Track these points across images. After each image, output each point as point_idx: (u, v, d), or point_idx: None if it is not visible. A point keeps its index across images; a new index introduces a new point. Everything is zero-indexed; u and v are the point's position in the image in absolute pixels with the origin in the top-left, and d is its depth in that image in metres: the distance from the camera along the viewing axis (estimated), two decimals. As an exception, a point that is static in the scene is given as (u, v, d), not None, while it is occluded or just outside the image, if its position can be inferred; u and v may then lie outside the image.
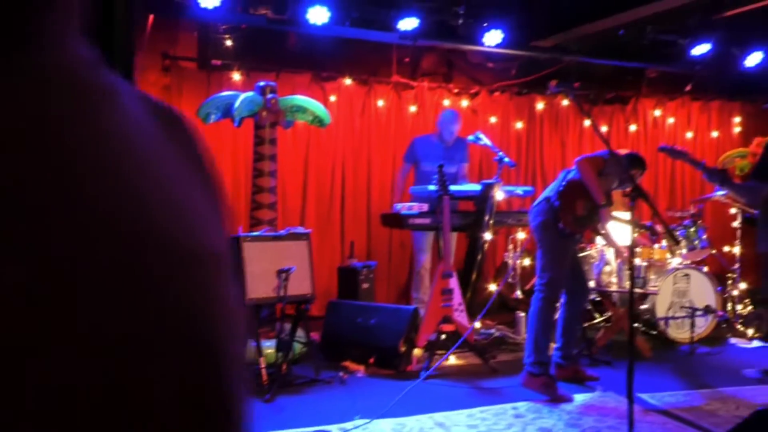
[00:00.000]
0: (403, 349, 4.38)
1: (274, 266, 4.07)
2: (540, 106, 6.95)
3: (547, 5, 5.74)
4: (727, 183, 4.05)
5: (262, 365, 3.92)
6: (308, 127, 5.89)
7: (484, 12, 5.69)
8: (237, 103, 4.66)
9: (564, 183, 3.98)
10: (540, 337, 3.94)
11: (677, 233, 5.68)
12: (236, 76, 5.84)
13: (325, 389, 4.02)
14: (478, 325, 5.26)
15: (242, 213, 5.32)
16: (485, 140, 5.13)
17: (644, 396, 3.89)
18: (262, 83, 4.97)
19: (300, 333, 4.41)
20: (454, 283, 4.45)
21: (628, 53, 6.44)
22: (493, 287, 6.05)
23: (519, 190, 5.36)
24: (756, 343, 5.37)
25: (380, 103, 6.39)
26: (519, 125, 6.89)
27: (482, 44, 5.79)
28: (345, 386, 4.08)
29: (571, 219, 3.91)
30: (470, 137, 5.25)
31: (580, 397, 3.90)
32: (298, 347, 4.43)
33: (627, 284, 5.08)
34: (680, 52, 6.36)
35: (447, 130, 5.52)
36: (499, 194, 4.94)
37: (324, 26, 5.27)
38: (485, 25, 5.71)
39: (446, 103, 6.59)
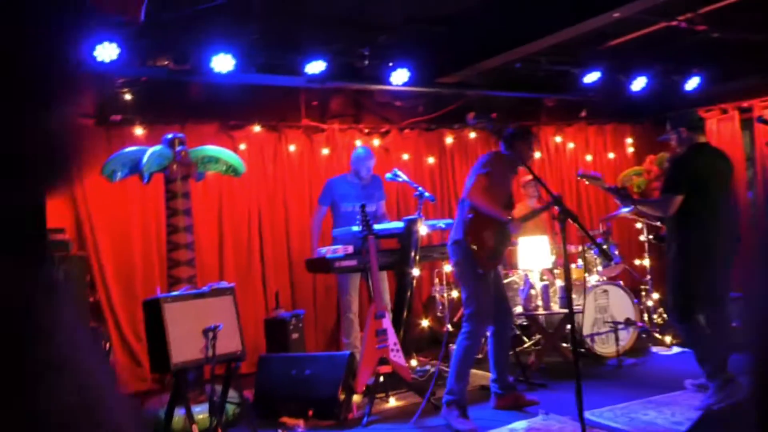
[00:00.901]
0: (342, 397, 4.23)
1: (199, 326, 3.84)
2: (449, 140, 7.11)
3: (449, 43, 5.91)
4: (641, 202, 4.32)
5: (195, 432, 3.66)
6: (220, 177, 5.72)
7: (389, 52, 5.79)
8: (145, 158, 4.45)
9: (463, 221, 4.04)
10: (460, 369, 3.97)
11: (592, 251, 5.90)
12: (138, 131, 5.61)
13: (265, 450, 3.81)
14: (413, 363, 5.20)
15: (158, 273, 5.04)
16: (403, 176, 5.16)
17: (585, 414, 3.93)
18: (170, 135, 4.78)
19: (232, 393, 4.17)
20: (387, 322, 4.38)
21: (526, 85, 6.74)
22: (425, 323, 6.03)
23: (441, 224, 5.40)
24: (675, 350, 5.61)
25: (292, 147, 6.31)
26: (431, 160, 7.00)
27: (389, 83, 5.87)
28: (286, 444, 3.88)
29: (485, 258, 3.93)
30: (388, 175, 5.26)
31: (523, 424, 3.89)
32: (231, 408, 4.19)
33: (554, 306, 5.21)
34: (573, 81, 6.72)
35: (363, 167, 5.51)
36: (422, 229, 4.95)
37: (229, 74, 5.17)
38: (390, 65, 5.80)
39: (358, 143, 6.60)
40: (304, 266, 5.23)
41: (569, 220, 2.77)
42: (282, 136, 6.28)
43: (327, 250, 4.79)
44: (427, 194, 5.00)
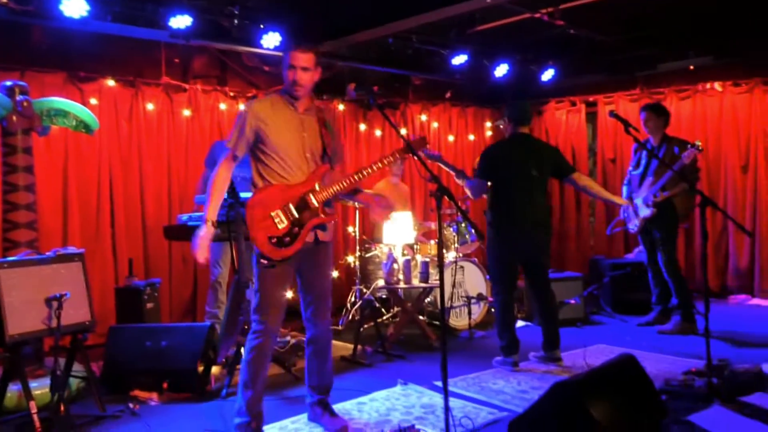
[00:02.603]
0: (200, 369, 4.08)
1: (41, 294, 3.51)
2: (317, 111, 7.01)
3: (321, 12, 5.80)
4: (465, 182, 4.65)
5: (33, 410, 3.34)
6: (66, 133, 5.23)
7: (259, 14, 5.57)
8: (-21, 105, 3.94)
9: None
10: (247, 377, 3.22)
11: (451, 229, 6.14)
12: (-30, 75, 4.95)
13: (114, 425, 3.58)
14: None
15: (-9, 235, 4.52)
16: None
17: (440, 383, 4.11)
18: (8, 83, 4.28)
19: (77, 366, 3.87)
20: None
21: (396, 61, 6.81)
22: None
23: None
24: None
25: (150, 106, 5.90)
26: (298, 130, 6.87)
27: (259, 46, 5.66)
28: (138, 418, 3.67)
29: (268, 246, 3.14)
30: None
31: (382, 393, 3.99)
32: (75, 383, 3.89)
33: (415, 281, 5.37)
34: (441, 61, 6.90)
35: None
36: (289, 199, 4.86)
37: (81, 20, 4.70)
38: (261, 27, 5.59)
39: (222, 107, 6.33)
40: (161, 233, 4.94)
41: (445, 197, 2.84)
42: (139, 93, 5.85)
43: (189, 217, 4.55)
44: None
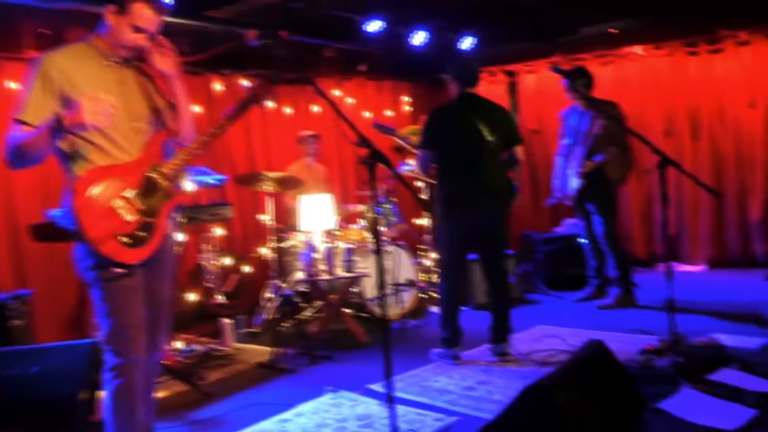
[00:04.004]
0: (82, 396, 3.34)
1: None
2: (218, 87, 6.27)
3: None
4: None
5: None
6: None
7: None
8: None
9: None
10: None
11: (375, 211, 5.59)
12: None
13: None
14: (178, 344, 4.43)
15: None
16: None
17: (376, 387, 3.58)
18: None
19: None
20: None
21: (304, 29, 6.15)
22: (192, 296, 5.24)
23: (210, 179, 4.65)
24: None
25: (12, 84, 4.98)
26: (196, 109, 6.11)
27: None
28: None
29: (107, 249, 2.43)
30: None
31: (309, 405, 3.41)
32: None
33: (339, 270, 4.79)
34: (355, 29, 6.31)
35: None
36: (188, 185, 4.16)
37: None
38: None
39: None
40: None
41: (380, 165, 2.27)
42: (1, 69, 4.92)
43: (62, 214, 3.75)
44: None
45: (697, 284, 5.86)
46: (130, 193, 2.38)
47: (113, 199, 2.34)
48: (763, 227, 6.43)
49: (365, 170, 2.48)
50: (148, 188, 2.42)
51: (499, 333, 3.96)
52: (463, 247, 4.03)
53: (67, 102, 2.30)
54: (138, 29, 2.39)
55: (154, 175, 2.45)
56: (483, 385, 3.49)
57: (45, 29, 5.21)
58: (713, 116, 6.72)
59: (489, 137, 3.89)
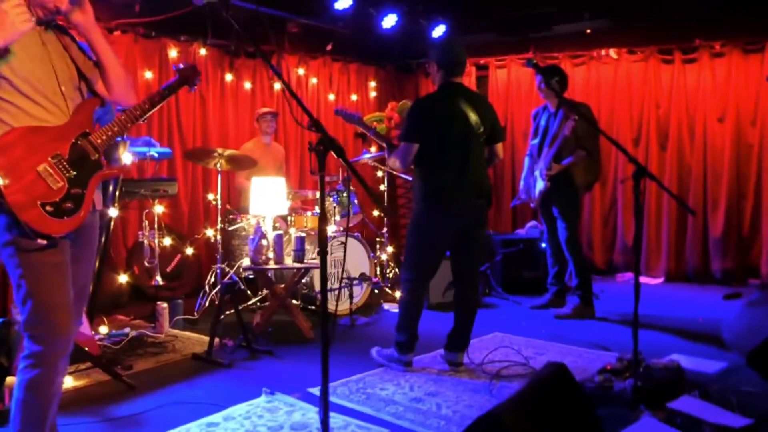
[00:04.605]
0: (-14, 383, 2.98)
1: None
2: (173, 53, 5.84)
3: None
4: (391, 150, 3.74)
5: None
6: None
7: None
8: None
9: None
10: None
11: (332, 199, 5.30)
12: None
13: None
14: (104, 330, 4.08)
15: None
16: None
17: (316, 391, 3.30)
18: None
19: None
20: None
21: (268, 0, 5.79)
22: (123, 278, 4.86)
23: (153, 152, 4.28)
24: (388, 306, 5.35)
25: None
26: (148, 75, 5.68)
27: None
28: None
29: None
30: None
31: (241, 408, 3.11)
32: None
33: (288, 260, 4.49)
34: (322, 5, 5.97)
35: None
36: (126, 156, 3.79)
37: None
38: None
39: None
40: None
41: (331, 153, 1.98)
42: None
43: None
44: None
45: (656, 297, 5.75)
46: (56, 160, 2.13)
47: (39, 164, 2.09)
48: (723, 244, 6.38)
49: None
50: (76, 157, 2.18)
51: (458, 343, 3.70)
52: (441, 248, 3.69)
53: None
54: None
55: (82, 143, 2.21)
56: (432, 397, 3.25)
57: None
58: (682, 127, 6.63)
59: (479, 130, 3.58)
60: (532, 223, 6.64)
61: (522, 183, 5.39)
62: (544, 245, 5.56)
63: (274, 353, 4.00)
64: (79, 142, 2.19)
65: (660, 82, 6.70)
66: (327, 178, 5.60)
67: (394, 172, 5.93)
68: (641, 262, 6.80)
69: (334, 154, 2.00)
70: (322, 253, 2.04)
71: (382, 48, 7.48)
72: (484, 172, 3.72)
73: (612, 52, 6.87)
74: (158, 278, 4.83)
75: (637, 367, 3.21)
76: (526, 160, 5.35)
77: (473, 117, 3.56)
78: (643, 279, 6.65)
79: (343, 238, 5.04)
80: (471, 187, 3.59)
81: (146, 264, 4.86)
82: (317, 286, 4.85)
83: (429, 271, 3.72)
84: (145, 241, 4.77)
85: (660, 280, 6.65)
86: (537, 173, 5.16)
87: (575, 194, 5.13)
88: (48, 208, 2.08)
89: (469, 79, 7.75)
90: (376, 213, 6.46)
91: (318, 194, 5.33)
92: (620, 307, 5.29)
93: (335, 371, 3.61)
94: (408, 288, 3.69)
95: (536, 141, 5.23)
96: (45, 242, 2.06)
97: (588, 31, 6.79)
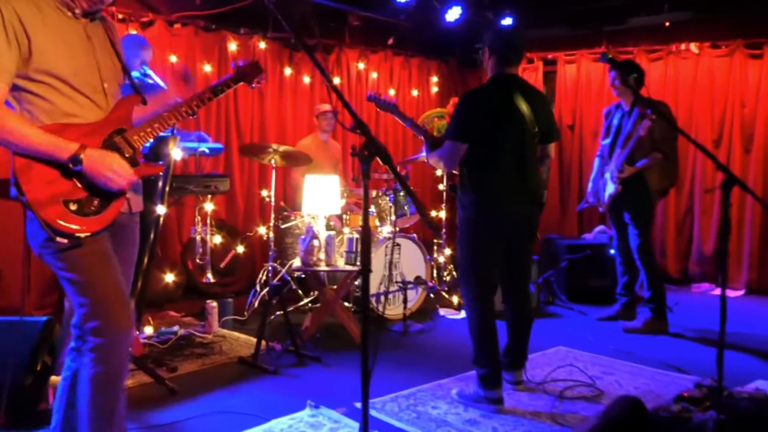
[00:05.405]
0: (28, 381, 2.93)
1: None
2: (233, 46, 5.77)
3: None
4: (431, 146, 3.36)
5: None
6: None
7: None
8: None
9: None
10: None
11: (387, 198, 5.09)
12: None
13: None
14: (149, 330, 4.00)
15: None
16: (156, 78, 3.78)
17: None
18: None
19: None
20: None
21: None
22: (170, 277, 4.81)
23: (204, 147, 4.18)
24: (464, 314, 5.08)
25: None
26: (207, 68, 5.63)
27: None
28: None
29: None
30: (135, 73, 3.83)
31: (284, 422, 2.95)
32: None
33: (339, 261, 4.32)
34: (385, -2, 5.78)
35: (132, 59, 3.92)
36: (176, 152, 3.69)
37: None
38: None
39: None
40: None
41: (377, 159, 1.78)
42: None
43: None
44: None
45: (737, 312, 5.28)
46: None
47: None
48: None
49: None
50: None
51: (515, 360, 3.39)
52: (496, 260, 3.29)
53: (26, 58, 1.94)
54: None
55: (116, 139, 2.09)
56: (488, 420, 3.00)
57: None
58: (770, 128, 6.11)
59: (534, 129, 3.21)
60: (600, 227, 6.26)
61: (590, 185, 5.04)
62: (612, 252, 5.20)
63: (322, 360, 3.83)
64: (113, 138, 2.07)
65: (746, 79, 6.18)
66: (384, 176, 5.40)
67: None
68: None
69: (379, 161, 1.79)
70: (365, 271, 1.83)
71: (446, 42, 7.23)
72: (539, 176, 3.33)
73: (692, 47, 6.39)
74: (209, 275, 4.75)
75: (720, 397, 2.87)
76: (596, 161, 5.00)
77: (529, 114, 3.16)
78: (720, 290, 6.16)
79: (399, 240, 4.83)
80: (527, 194, 3.21)
81: (198, 261, 4.79)
82: (371, 289, 4.66)
83: (491, 284, 3.31)
84: (198, 238, 4.70)
85: (741, 293, 6.15)
86: (607, 176, 4.81)
87: (649, 199, 4.74)
88: (72, 206, 1.96)
89: (536, 74, 7.41)
90: (434, 213, 6.22)
91: (374, 193, 5.16)
92: (697, 322, 4.88)
93: (384, 383, 3.42)
94: (473, 309, 3.23)
95: (608, 141, 4.87)
96: (66, 241, 1.96)
97: (667, 23, 6.33)
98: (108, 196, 2.03)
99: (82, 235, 1.97)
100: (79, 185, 1.98)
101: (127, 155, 2.09)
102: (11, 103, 2.00)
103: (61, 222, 1.93)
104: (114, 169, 1.96)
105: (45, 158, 1.91)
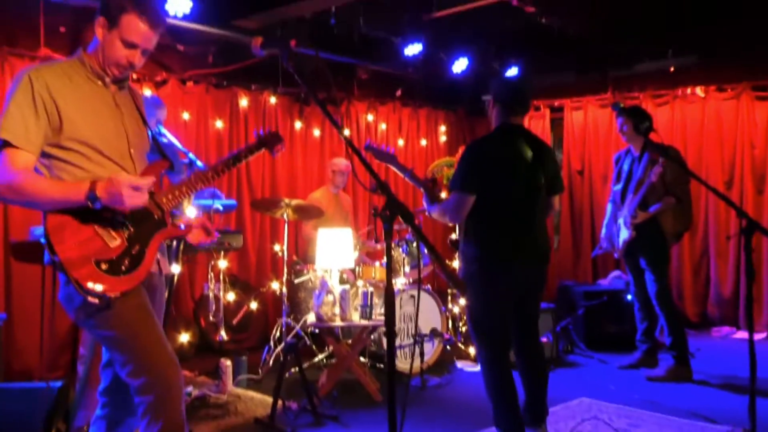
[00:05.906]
0: (42, 449, 2.86)
1: None
2: (244, 102, 5.85)
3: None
4: (431, 198, 3.20)
5: None
6: None
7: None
8: None
9: None
10: None
11: (401, 249, 5.06)
12: None
13: None
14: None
15: None
16: (169, 136, 3.83)
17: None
18: None
19: None
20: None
21: (339, 47, 5.73)
22: (185, 337, 4.76)
23: (218, 204, 4.19)
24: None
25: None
26: (219, 124, 5.70)
27: (166, 14, 4.47)
28: None
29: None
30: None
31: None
32: None
33: (354, 316, 4.27)
34: (392, 51, 5.86)
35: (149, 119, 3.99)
36: (190, 210, 3.70)
37: None
38: (170, -8, 4.43)
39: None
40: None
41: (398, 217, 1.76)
42: (7, 67, 4.55)
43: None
44: (199, 163, 3.73)
45: (759, 356, 5.14)
46: (117, 217, 2.06)
47: (97, 222, 2.02)
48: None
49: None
50: (137, 215, 2.09)
51: (537, 414, 3.27)
52: (509, 319, 3.17)
53: (56, 128, 2.01)
54: (130, 44, 2.08)
55: (149, 199, 2.12)
56: (514, 478, 2.90)
57: (62, 27, 4.86)
58: (781, 168, 6.09)
59: (540, 181, 3.15)
60: (616, 272, 6.19)
61: (604, 231, 5.01)
62: (630, 297, 5.12)
63: (340, 419, 3.74)
64: None
65: (754, 121, 6.20)
66: (396, 227, 5.39)
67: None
68: (739, 316, 6.20)
69: (401, 220, 1.78)
70: (389, 334, 1.80)
71: (453, 91, 7.31)
72: (546, 231, 3.25)
73: (698, 90, 6.44)
74: (222, 333, 4.71)
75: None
76: (609, 207, 4.98)
77: (534, 163, 3.09)
78: (741, 334, 6.04)
79: (413, 291, 4.78)
80: (534, 250, 3.11)
81: (211, 318, 4.74)
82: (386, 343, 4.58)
83: (505, 343, 3.18)
84: (211, 295, 4.67)
85: (762, 335, 6.02)
86: (621, 221, 4.78)
87: (664, 244, 4.70)
88: (103, 266, 1.99)
89: (543, 121, 7.47)
90: (448, 263, 6.18)
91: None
92: (720, 368, 4.76)
93: (405, 442, 3.32)
94: (490, 370, 3.07)
95: (619, 187, 4.86)
96: (96, 301, 1.96)
97: (672, 68, 6.39)
98: (139, 256, 2.04)
99: (112, 295, 1.97)
100: (110, 245, 2.00)
101: (156, 216, 2.13)
102: (40, 170, 2.05)
103: (90, 283, 1.94)
104: (127, 184, 1.94)
105: (66, 206, 1.94)
